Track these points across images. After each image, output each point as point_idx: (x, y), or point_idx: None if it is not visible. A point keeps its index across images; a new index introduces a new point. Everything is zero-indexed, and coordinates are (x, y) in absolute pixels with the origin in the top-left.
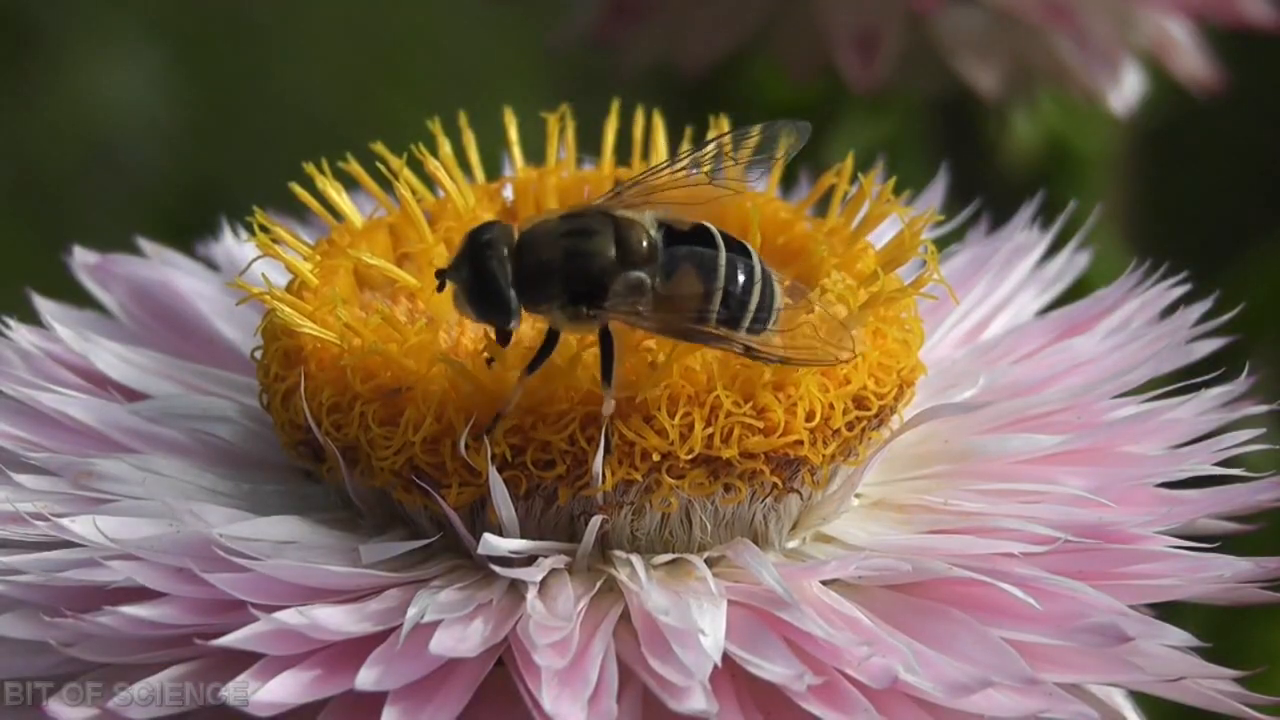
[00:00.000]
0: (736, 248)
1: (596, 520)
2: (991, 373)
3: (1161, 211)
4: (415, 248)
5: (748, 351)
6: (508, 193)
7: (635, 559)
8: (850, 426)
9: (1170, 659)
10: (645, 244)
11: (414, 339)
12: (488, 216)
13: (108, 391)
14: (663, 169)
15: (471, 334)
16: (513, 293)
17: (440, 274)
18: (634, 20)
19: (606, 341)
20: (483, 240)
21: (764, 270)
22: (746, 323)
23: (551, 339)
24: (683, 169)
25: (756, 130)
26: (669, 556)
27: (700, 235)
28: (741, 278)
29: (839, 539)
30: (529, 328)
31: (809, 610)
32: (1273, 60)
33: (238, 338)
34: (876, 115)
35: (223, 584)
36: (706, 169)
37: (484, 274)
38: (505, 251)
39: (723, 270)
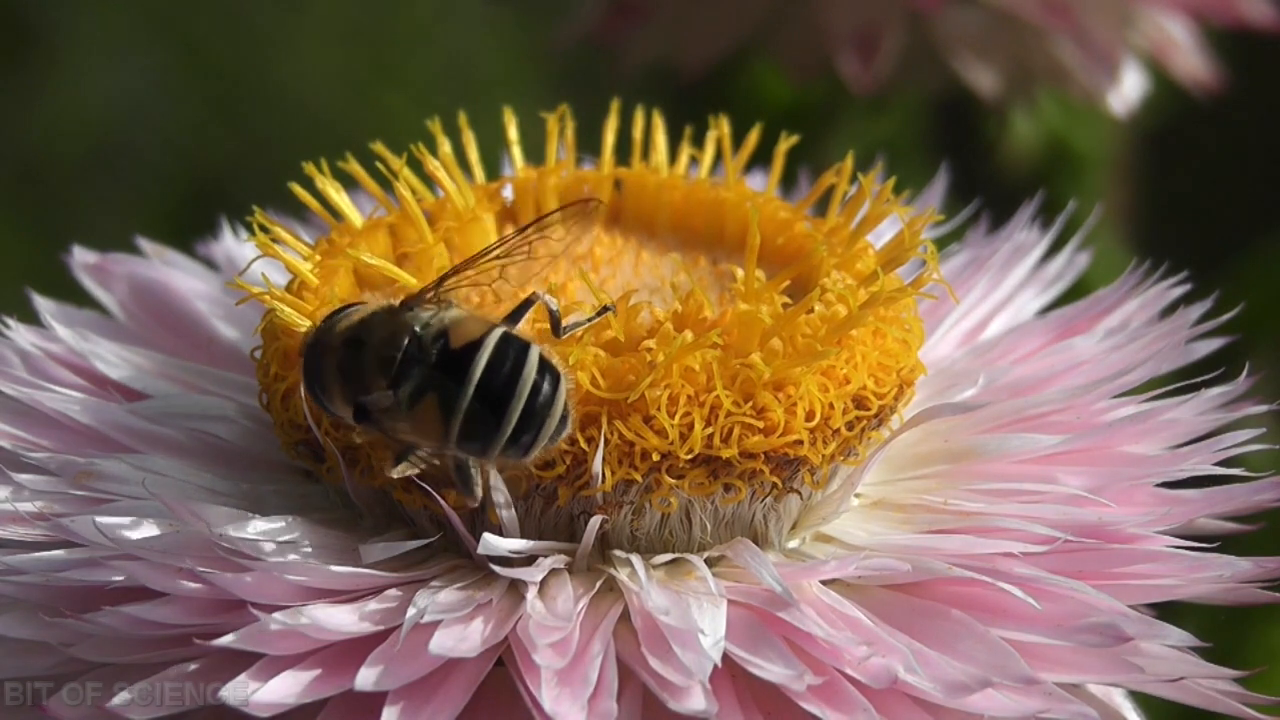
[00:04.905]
0: (508, 364)
1: (596, 520)
2: (991, 372)
3: (1161, 211)
4: (415, 247)
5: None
6: (507, 193)
7: (635, 559)
8: (850, 426)
9: (1170, 659)
10: (392, 361)
11: None
12: (487, 216)
13: (107, 391)
14: (483, 254)
15: None
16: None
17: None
18: (634, 20)
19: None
20: (307, 342)
21: (536, 398)
22: (495, 453)
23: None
24: (494, 256)
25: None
26: (669, 556)
27: (466, 355)
28: (487, 423)
29: (839, 539)
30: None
31: (809, 610)
32: (1273, 60)
33: (238, 338)
34: (876, 115)
35: (223, 584)
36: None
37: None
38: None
39: (463, 410)
